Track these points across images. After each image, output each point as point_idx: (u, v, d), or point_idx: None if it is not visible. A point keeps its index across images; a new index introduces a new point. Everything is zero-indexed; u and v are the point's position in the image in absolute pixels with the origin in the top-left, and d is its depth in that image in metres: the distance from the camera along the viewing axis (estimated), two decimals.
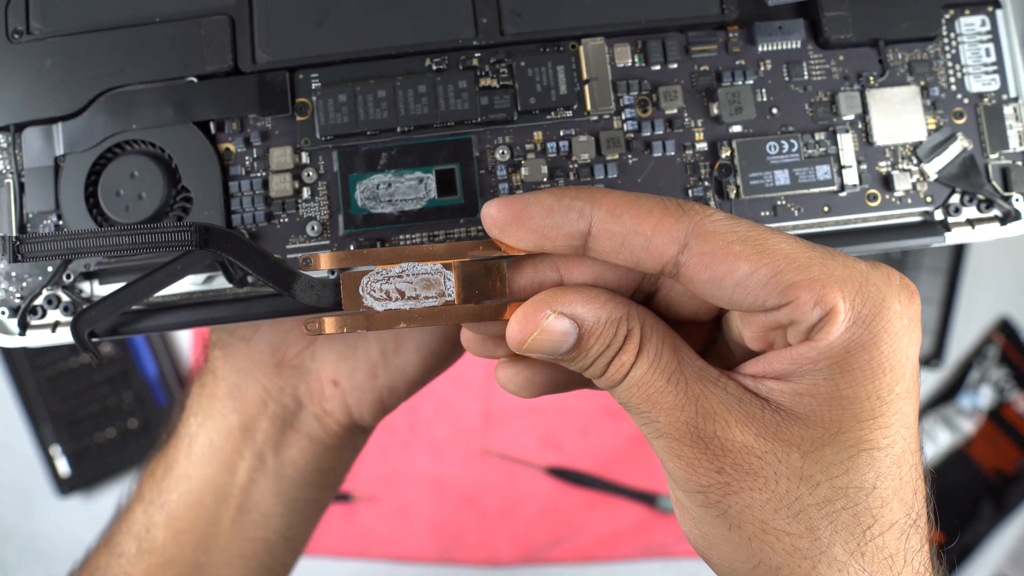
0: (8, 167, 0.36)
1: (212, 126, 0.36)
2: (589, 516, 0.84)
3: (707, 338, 0.30)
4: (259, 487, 0.40)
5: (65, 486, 0.83)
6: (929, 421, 0.90)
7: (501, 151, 0.35)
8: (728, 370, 0.27)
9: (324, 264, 0.28)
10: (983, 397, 0.89)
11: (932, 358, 0.89)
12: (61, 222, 0.35)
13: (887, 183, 0.35)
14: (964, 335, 0.88)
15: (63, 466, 0.83)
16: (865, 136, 0.35)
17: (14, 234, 0.28)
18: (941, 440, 0.88)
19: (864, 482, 0.24)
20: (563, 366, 0.27)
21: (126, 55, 0.35)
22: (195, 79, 0.35)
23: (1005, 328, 0.89)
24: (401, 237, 0.35)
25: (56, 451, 0.83)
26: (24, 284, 0.35)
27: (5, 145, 0.36)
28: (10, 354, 0.85)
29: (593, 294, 0.26)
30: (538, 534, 0.84)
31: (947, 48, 0.36)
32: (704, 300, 0.26)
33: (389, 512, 0.86)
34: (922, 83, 0.36)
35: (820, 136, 0.35)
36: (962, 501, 0.86)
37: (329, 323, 0.28)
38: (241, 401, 0.40)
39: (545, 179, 0.35)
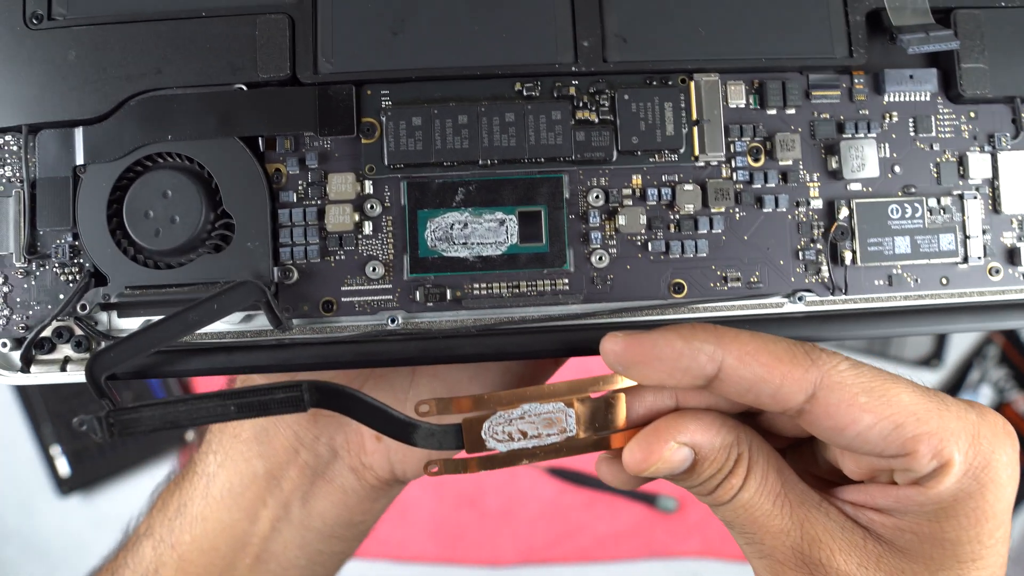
0: (18, 174, 0.30)
1: (261, 143, 0.30)
2: (589, 516, 0.82)
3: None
4: (281, 537, 0.35)
5: (65, 486, 0.78)
6: None
7: (595, 194, 0.30)
8: (826, 492, 0.27)
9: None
10: (983, 397, 0.86)
11: (932, 358, 0.86)
12: (77, 242, 0.30)
13: (1012, 257, 0.31)
14: (964, 335, 0.85)
15: (63, 466, 0.78)
16: (992, 203, 0.31)
17: (104, 411, 0.26)
18: None
19: None
20: None
21: (164, 53, 0.29)
22: (244, 87, 0.29)
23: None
24: (475, 286, 0.30)
25: (56, 451, 0.78)
26: (31, 313, 0.29)
27: (16, 148, 0.30)
28: None
29: (708, 421, 0.26)
30: (538, 534, 0.82)
31: None
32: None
33: (389, 512, 0.83)
34: None
35: (946, 201, 0.31)
36: None
37: (451, 465, 0.27)
38: (268, 447, 0.35)
39: (643, 231, 0.30)
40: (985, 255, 0.31)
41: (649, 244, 0.30)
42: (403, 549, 0.81)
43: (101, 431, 0.26)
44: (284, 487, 0.35)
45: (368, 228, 0.29)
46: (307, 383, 0.27)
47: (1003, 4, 0.31)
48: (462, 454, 0.27)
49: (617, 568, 0.81)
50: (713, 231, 0.30)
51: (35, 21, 0.29)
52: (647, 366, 0.25)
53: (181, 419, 0.27)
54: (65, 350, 0.29)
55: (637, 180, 0.30)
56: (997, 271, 0.31)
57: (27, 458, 0.79)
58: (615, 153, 0.29)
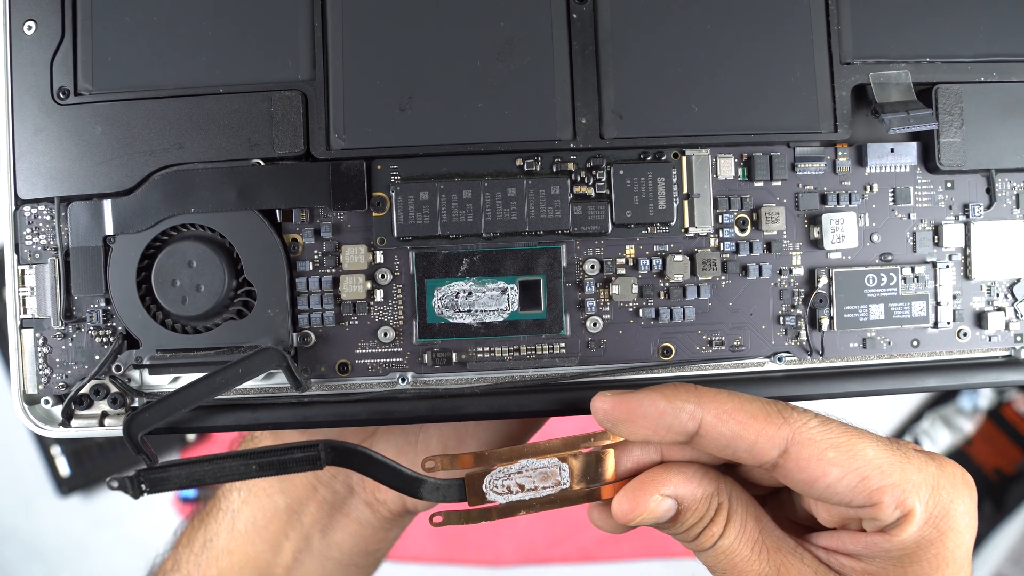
0: (52, 243, 0.32)
1: (278, 214, 0.32)
2: None
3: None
4: (304, 567, 0.38)
5: (65, 486, 0.79)
6: (929, 421, 0.87)
7: (591, 264, 0.32)
8: (800, 537, 0.29)
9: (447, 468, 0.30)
10: (983, 397, 0.86)
11: None
12: (110, 307, 0.32)
13: (980, 321, 0.33)
14: None
15: (63, 466, 0.79)
16: (964, 270, 0.33)
17: (133, 471, 0.29)
18: (941, 440, 0.86)
19: None
20: None
21: (185, 129, 0.31)
22: (261, 162, 0.31)
23: None
24: (479, 350, 0.32)
25: (56, 451, 0.79)
26: (69, 372, 0.32)
27: (50, 218, 0.32)
28: (8, 353, 0.81)
29: (690, 473, 0.28)
30: (538, 534, 0.83)
31: None
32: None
33: None
34: None
35: (920, 270, 0.33)
36: None
37: (453, 516, 0.29)
38: (289, 483, 0.37)
39: (635, 298, 0.32)
40: (954, 320, 0.33)
41: (640, 311, 0.32)
42: (403, 549, 0.80)
43: (133, 490, 0.29)
44: (304, 521, 0.38)
45: (380, 295, 0.31)
46: (323, 443, 0.29)
47: (982, 79, 0.32)
48: (464, 505, 0.30)
49: (617, 568, 0.82)
50: (700, 298, 0.32)
51: (62, 96, 0.31)
52: (633, 423, 0.27)
53: (206, 477, 0.29)
54: (102, 405, 0.32)
55: (630, 250, 0.32)
56: (965, 334, 0.33)
57: (27, 458, 0.80)
58: (610, 226, 0.31)
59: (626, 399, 0.27)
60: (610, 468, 0.29)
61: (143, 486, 0.28)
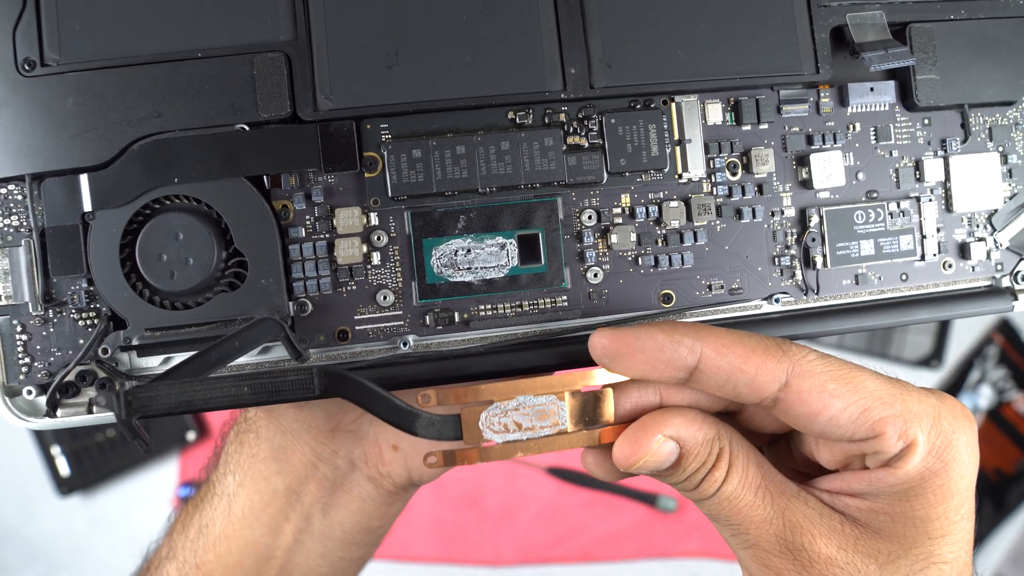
0: (26, 223, 0.30)
1: (266, 180, 0.31)
2: (589, 516, 0.82)
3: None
4: (304, 548, 0.37)
5: (65, 486, 0.78)
6: None
7: (588, 215, 0.32)
8: (803, 483, 0.28)
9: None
10: (983, 397, 0.87)
11: (932, 359, 0.86)
12: (92, 287, 0.30)
13: (963, 252, 0.34)
14: (964, 335, 0.85)
15: (63, 466, 0.78)
16: (946, 203, 0.34)
17: (125, 387, 0.26)
18: None
19: None
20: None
21: (164, 96, 0.30)
22: (246, 127, 0.30)
23: (1005, 328, 0.86)
24: (481, 308, 0.32)
25: (56, 451, 0.78)
26: (52, 359, 0.30)
27: (21, 198, 0.30)
28: None
29: (691, 416, 0.27)
30: (539, 534, 0.82)
31: None
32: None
33: None
34: (1000, 149, 0.35)
35: (905, 204, 0.34)
36: None
37: (448, 457, 0.28)
38: (287, 464, 0.36)
39: (634, 247, 0.32)
40: (939, 252, 0.34)
41: (639, 259, 0.32)
42: (403, 549, 0.81)
43: (119, 408, 0.26)
44: (304, 500, 0.37)
45: (376, 258, 0.31)
46: (317, 368, 0.27)
47: (951, 17, 0.33)
48: (460, 445, 0.28)
49: (617, 568, 0.82)
50: (697, 243, 0.32)
51: (27, 68, 0.30)
52: (632, 358, 0.26)
53: (196, 400, 0.26)
54: (90, 392, 0.30)
55: (626, 199, 0.32)
56: (950, 265, 0.34)
57: (27, 458, 0.79)
58: (605, 175, 0.31)
59: (624, 333, 0.26)
60: (609, 409, 0.28)
61: (131, 404, 0.26)
